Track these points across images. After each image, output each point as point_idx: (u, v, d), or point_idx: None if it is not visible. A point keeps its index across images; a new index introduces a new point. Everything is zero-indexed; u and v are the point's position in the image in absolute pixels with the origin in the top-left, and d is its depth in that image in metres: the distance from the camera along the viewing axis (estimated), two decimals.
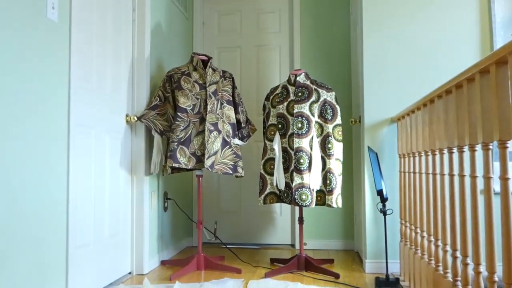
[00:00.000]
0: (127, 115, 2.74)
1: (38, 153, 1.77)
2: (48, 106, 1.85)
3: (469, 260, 1.60)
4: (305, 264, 2.84)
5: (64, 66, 1.98)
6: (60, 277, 1.89)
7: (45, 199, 1.81)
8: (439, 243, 1.95)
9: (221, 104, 2.88)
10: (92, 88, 2.33)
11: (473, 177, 1.50)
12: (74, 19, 2.08)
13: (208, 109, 2.79)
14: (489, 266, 1.37)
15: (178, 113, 2.77)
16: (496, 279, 1.36)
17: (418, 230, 2.29)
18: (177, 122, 2.75)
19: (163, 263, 3.06)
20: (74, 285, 2.11)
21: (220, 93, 2.90)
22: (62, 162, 1.94)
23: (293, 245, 3.75)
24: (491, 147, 1.39)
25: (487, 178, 1.38)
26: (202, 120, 2.80)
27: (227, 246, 3.74)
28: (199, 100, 2.82)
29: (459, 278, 1.69)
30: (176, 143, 2.72)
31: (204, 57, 2.94)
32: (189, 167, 2.73)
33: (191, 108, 2.80)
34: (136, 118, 2.76)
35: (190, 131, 2.78)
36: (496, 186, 2.68)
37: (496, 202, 2.60)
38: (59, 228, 1.90)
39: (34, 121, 1.75)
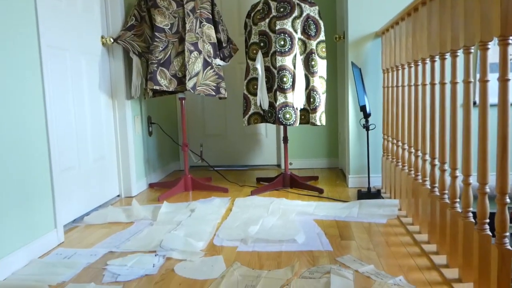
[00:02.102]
0: (102, 37, 2.63)
1: (9, 78, 1.70)
2: (13, 25, 1.75)
3: (446, 167, 1.65)
4: (290, 182, 2.92)
5: None
6: (47, 199, 1.91)
7: (22, 125, 1.77)
8: (419, 153, 1.99)
9: (200, 22, 2.77)
10: (61, 7, 2.20)
11: (454, 83, 1.49)
12: None
13: (187, 28, 2.68)
14: (465, 169, 1.40)
15: (156, 33, 2.66)
16: (471, 181, 1.41)
17: (400, 143, 2.33)
18: (155, 43, 2.65)
19: (151, 185, 3.11)
20: (61, 207, 2.15)
21: (198, 11, 2.77)
22: (37, 85, 1.88)
23: (279, 165, 3.82)
24: (472, 51, 1.37)
25: (467, 83, 1.37)
26: (182, 40, 2.70)
27: (214, 168, 3.80)
28: (176, 19, 2.70)
29: (436, 185, 1.75)
30: (155, 65, 2.64)
31: None
32: (170, 89, 2.68)
33: (168, 27, 2.69)
34: (112, 40, 2.65)
35: (169, 52, 2.69)
36: (476, 99, 2.70)
37: (474, 114, 2.63)
38: (41, 152, 1.89)
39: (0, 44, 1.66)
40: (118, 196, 2.82)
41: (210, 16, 2.84)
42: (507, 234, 1.18)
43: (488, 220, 1.29)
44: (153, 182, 3.15)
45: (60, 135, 2.17)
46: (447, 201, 1.63)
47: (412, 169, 2.11)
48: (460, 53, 1.81)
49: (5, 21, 1.70)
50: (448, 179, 1.63)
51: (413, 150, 2.10)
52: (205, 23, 2.79)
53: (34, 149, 1.84)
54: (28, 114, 1.81)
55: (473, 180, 2.68)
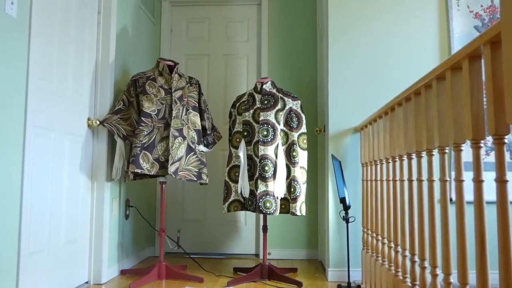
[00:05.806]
0: (89, 119, 2.67)
1: None
2: (1, 105, 1.77)
3: (426, 264, 1.63)
4: (268, 273, 2.82)
5: (22, 64, 1.92)
6: (9, 286, 1.79)
7: None
8: (399, 248, 1.98)
9: (187, 110, 2.85)
10: (52, 89, 2.26)
11: (430, 181, 1.54)
12: (34, 17, 2.01)
13: (173, 114, 2.75)
14: (445, 268, 1.39)
15: (142, 118, 2.72)
16: (452, 280, 1.39)
17: (379, 237, 2.32)
18: (140, 127, 2.70)
19: (122, 272, 2.97)
20: None
21: (185, 99, 2.87)
22: (16, 164, 1.86)
23: (257, 255, 3.72)
24: (447, 151, 1.43)
25: (443, 181, 1.42)
26: (167, 126, 2.76)
27: (190, 255, 3.68)
28: (164, 105, 2.78)
29: (417, 282, 1.72)
30: (139, 148, 2.66)
31: (170, 63, 2.92)
32: (152, 173, 2.68)
33: (155, 113, 2.76)
34: (98, 122, 2.69)
35: (154, 137, 2.73)
36: (452, 195, 2.76)
37: (452, 211, 2.67)
38: (11, 235, 1.81)
39: None
40: (87, 282, 2.66)
41: (197, 105, 2.94)
42: None
43: None
44: (125, 269, 3.01)
45: (34, 216, 2.10)
46: None
47: (392, 264, 2.08)
48: (436, 152, 1.92)
49: None
50: (429, 276, 1.61)
51: (392, 245, 2.08)
52: (191, 110, 2.88)
53: (3, 232, 1.77)
54: (3, 194, 1.77)
55: (454, 278, 2.65)
